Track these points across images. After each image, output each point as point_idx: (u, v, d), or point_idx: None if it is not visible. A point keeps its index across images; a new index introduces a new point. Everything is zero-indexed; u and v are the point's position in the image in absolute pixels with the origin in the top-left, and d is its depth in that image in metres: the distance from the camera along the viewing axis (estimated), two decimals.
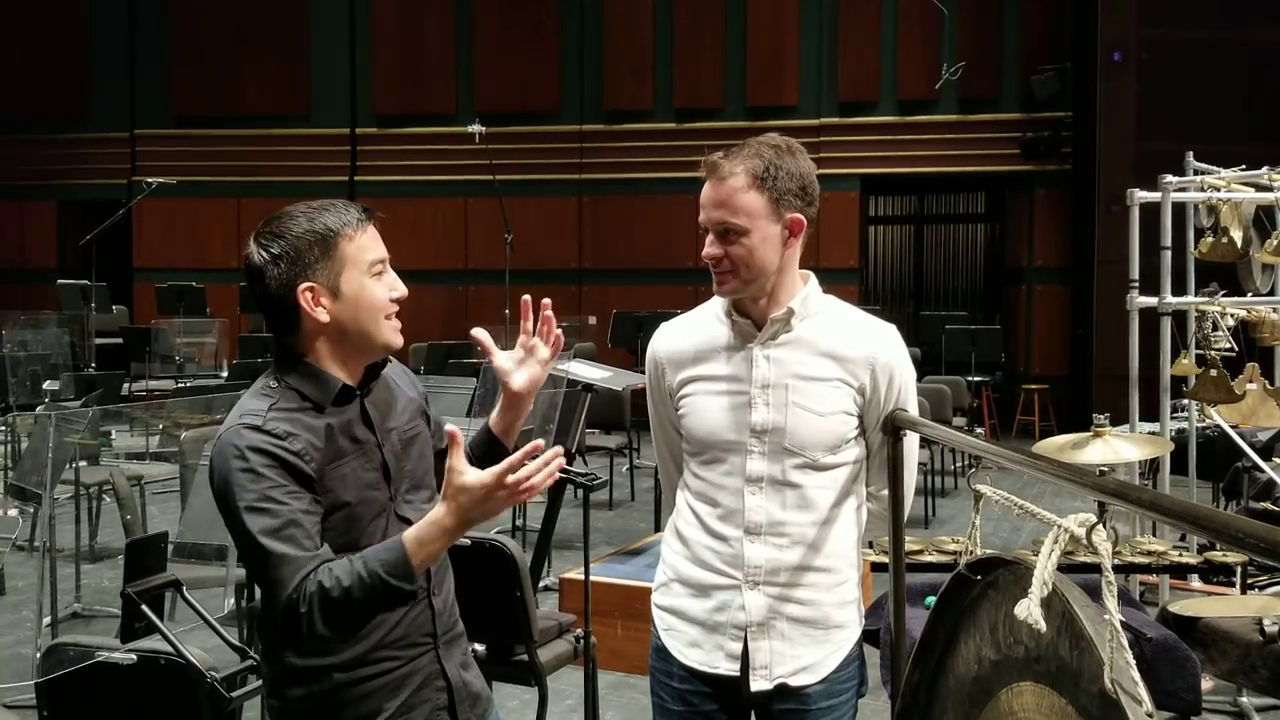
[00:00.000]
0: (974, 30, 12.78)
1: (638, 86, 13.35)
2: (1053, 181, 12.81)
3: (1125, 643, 1.04)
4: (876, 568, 3.04)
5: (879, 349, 1.94)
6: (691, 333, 2.02)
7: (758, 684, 1.91)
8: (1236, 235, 5.43)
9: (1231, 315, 5.08)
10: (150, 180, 11.58)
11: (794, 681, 1.91)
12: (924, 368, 11.75)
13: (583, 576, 4.61)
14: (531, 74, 13.49)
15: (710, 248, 1.91)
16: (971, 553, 1.48)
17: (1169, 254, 4.36)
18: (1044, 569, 1.13)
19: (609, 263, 13.02)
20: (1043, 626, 1.13)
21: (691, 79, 13.22)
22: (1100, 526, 1.08)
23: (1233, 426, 4.78)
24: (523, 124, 13.16)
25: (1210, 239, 4.62)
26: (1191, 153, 5.46)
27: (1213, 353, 5.56)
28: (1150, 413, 8.51)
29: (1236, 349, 5.64)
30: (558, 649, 3.32)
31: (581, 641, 3.35)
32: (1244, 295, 5.48)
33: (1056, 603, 1.17)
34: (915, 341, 14.05)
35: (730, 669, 1.92)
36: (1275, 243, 4.44)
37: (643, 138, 13.14)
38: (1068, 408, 12.49)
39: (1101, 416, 3.15)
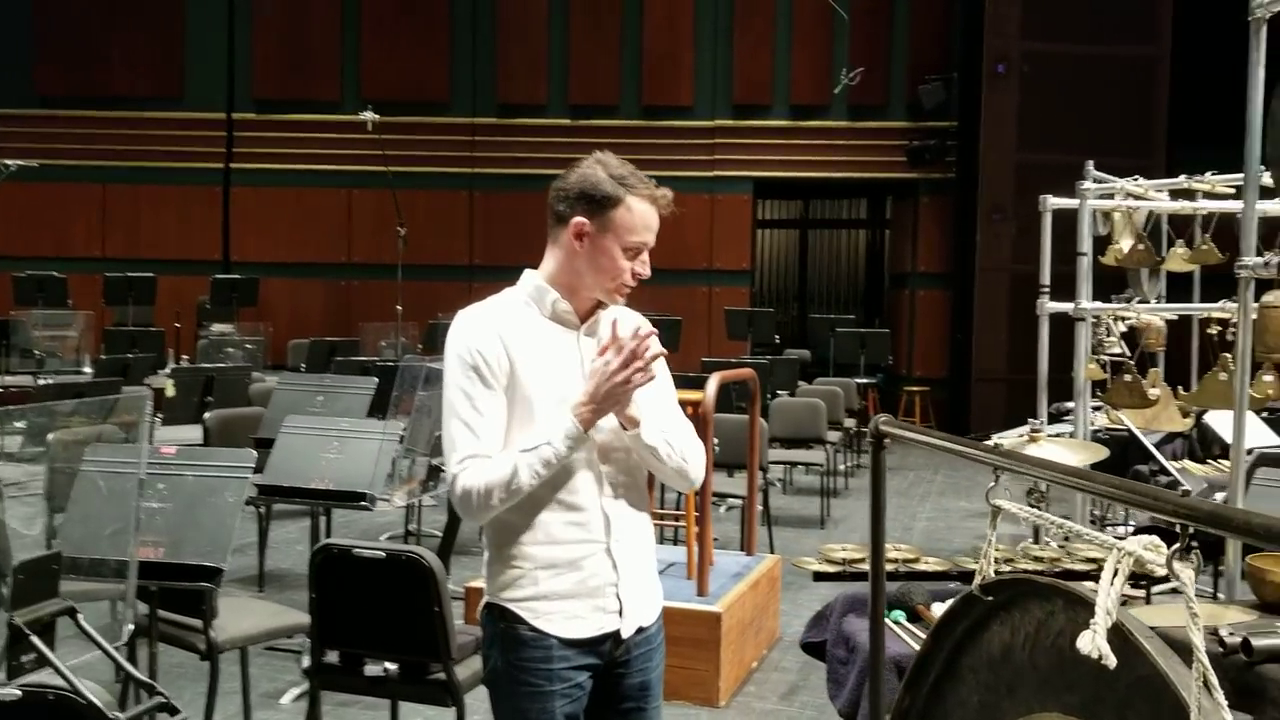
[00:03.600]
0: (865, 38, 12.97)
1: (532, 81, 13.14)
2: (937, 189, 13.09)
3: (1216, 683, 0.94)
4: (819, 576, 2.96)
5: (646, 328, 2.19)
6: (512, 317, 2.10)
7: (628, 630, 2.10)
8: (1126, 244, 5.59)
9: (1122, 321, 5.20)
10: (10, 162, 10.86)
11: (645, 621, 2.14)
12: (813, 369, 11.86)
13: None
14: (421, 63, 13.15)
15: (647, 269, 2.12)
16: (987, 572, 1.37)
17: (1086, 260, 4.40)
18: (1107, 598, 1.03)
19: (502, 259, 12.69)
20: (1113, 662, 1.03)
21: (587, 76, 13.08)
22: (1182, 552, 0.99)
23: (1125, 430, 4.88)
24: (411, 114, 12.81)
25: (1117, 246, 4.69)
26: (1091, 162, 5.56)
27: (1105, 357, 5.72)
28: (1030, 414, 8.70)
29: (1129, 354, 5.81)
30: (475, 665, 3.12)
31: None
32: (1132, 302, 5.64)
33: (1113, 634, 1.07)
34: (803, 343, 14.22)
35: (615, 625, 2.08)
36: (1180, 250, 4.54)
37: (537, 133, 12.94)
38: (947, 409, 12.80)
39: (1037, 420, 3.12)
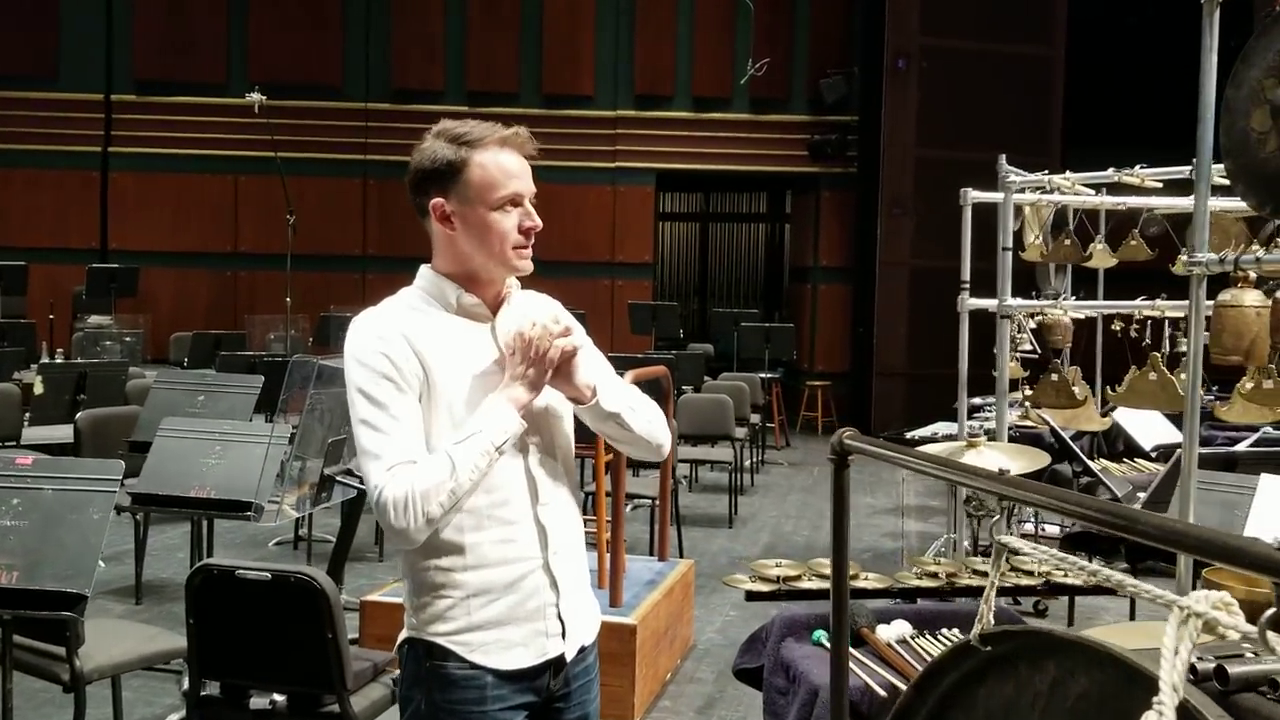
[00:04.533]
0: (767, 31, 12.89)
1: (428, 66, 12.74)
2: (838, 183, 13.10)
3: None
4: (752, 596, 2.75)
5: (561, 311, 2.01)
6: (416, 318, 1.86)
7: (571, 650, 1.90)
8: (1029, 239, 5.57)
9: (1031, 318, 5.15)
10: None
11: (587, 639, 1.95)
12: (716, 364, 11.76)
13: (388, 599, 4.15)
14: (312, 45, 12.63)
15: (535, 218, 1.88)
16: (987, 619, 1.18)
17: (1009, 256, 4.30)
18: (1174, 670, 0.84)
19: (397, 250, 12.33)
20: None
21: (485, 62, 12.73)
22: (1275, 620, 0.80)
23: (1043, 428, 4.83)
24: (301, 98, 12.29)
25: (1038, 241, 4.62)
26: (1004, 156, 5.49)
27: (1018, 354, 5.69)
28: (932, 409, 8.71)
29: (1039, 351, 5.78)
30: (373, 695, 2.86)
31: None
32: (1039, 298, 5.62)
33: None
34: (703, 338, 14.13)
35: (558, 648, 1.88)
36: (1101, 247, 4.48)
37: (433, 120, 12.33)
38: (848, 404, 12.83)
39: (973, 423, 2.98)
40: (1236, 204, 4.89)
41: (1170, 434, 6.30)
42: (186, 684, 3.74)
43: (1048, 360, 5.86)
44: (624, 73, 12.90)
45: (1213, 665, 2.03)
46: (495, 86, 12.65)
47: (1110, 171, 4.21)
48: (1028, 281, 6.22)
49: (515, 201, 1.85)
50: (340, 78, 12.74)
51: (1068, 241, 4.47)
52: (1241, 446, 4.55)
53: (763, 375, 10.24)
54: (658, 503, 5.87)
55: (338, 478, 3.04)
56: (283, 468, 3.64)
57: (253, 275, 12.49)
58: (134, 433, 4.87)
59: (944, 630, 2.58)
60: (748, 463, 9.32)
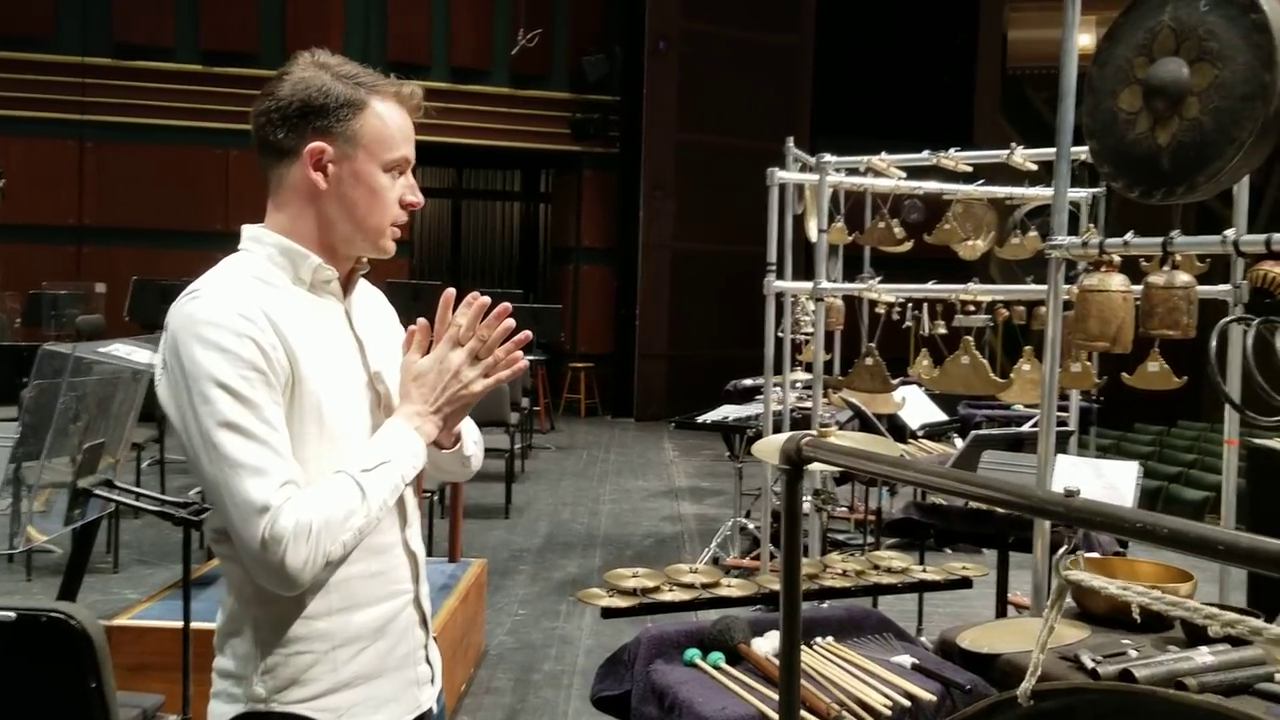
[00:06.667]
0: (529, 3, 12.56)
1: (155, 19, 11.58)
2: (600, 163, 12.98)
3: None
4: (610, 613, 2.46)
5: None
6: (268, 293, 1.49)
7: (436, 704, 1.64)
8: (812, 223, 5.60)
9: (810, 301, 5.16)
10: None
11: (440, 681, 1.67)
12: None
13: (138, 623, 3.60)
14: None
15: (419, 193, 1.58)
16: (1038, 671, 0.96)
17: (825, 238, 4.21)
18: None
19: (117, 220, 11.14)
20: None
21: (221, 17, 11.71)
22: None
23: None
24: (5, 48, 10.89)
25: (838, 225, 4.58)
26: (792, 138, 5.48)
27: (801, 336, 5.71)
28: (692, 390, 8.72)
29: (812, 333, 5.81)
30: None
31: None
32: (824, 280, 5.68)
33: None
34: None
35: (429, 699, 1.60)
36: (899, 231, 4.49)
37: (161, 79, 11.43)
38: (612, 385, 12.79)
39: (826, 415, 2.83)
40: (992, 191, 5.07)
41: (934, 414, 6.51)
42: None
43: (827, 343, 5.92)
44: (376, 37, 12.23)
45: (1118, 669, 1.94)
46: (233, 46, 11.66)
47: (925, 154, 4.20)
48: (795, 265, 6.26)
49: (402, 168, 1.56)
50: (52, 26, 11.37)
51: (881, 225, 4.45)
52: (1026, 427, 4.70)
53: (530, 358, 9.95)
54: (440, 497, 5.50)
55: (95, 491, 2.52)
56: (20, 477, 3.03)
57: None
58: None
59: (819, 639, 2.41)
60: (517, 448, 9.03)
